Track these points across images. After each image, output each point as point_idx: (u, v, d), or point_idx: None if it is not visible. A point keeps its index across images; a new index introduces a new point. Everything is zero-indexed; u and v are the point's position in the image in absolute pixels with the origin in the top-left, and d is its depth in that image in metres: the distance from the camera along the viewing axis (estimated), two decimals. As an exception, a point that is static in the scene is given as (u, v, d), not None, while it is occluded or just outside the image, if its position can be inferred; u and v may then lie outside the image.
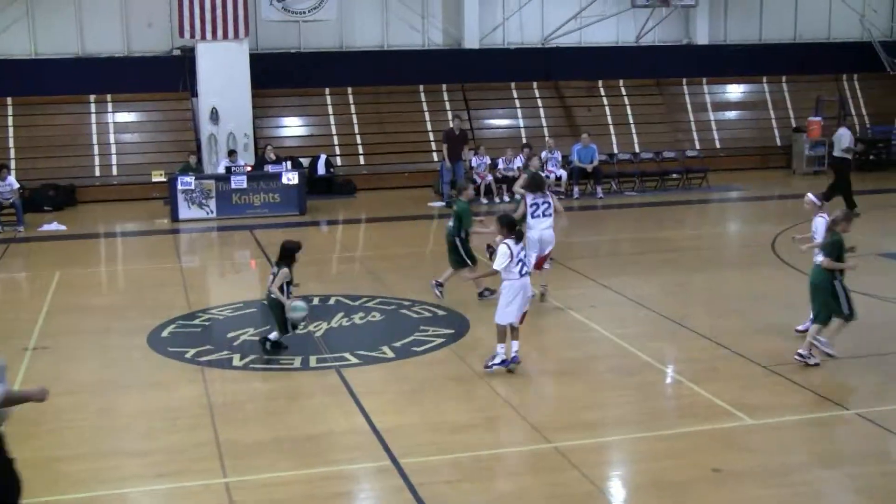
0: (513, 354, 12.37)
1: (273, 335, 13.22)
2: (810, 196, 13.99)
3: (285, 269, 12.99)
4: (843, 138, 23.91)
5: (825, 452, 10.10)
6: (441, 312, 15.15)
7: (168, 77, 27.84)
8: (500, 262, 12.19)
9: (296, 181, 24.26)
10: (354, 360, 12.94)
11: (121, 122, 28.02)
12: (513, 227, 12.43)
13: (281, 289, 12.93)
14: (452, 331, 14.17)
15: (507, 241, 12.27)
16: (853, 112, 32.67)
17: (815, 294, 12.45)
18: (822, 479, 9.52)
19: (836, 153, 23.93)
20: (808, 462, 9.83)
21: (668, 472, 9.55)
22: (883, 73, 32.15)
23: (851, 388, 11.79)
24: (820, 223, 13.29)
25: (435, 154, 28.55)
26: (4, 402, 7.35)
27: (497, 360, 12.39)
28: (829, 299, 12.28)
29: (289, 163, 25.63)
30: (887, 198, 26.36)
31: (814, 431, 10.62)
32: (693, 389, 11.76)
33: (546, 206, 15.34)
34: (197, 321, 15.05)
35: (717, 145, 31.33)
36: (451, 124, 26.30)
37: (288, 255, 13.18)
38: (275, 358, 13.02)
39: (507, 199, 25.78)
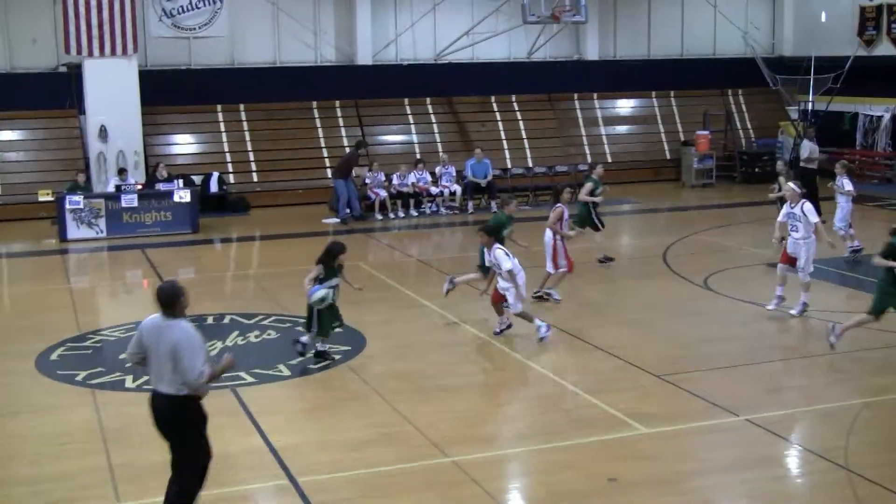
0: (507, 325, 14.52)
1: (319, 345, 13.41)
2: (791, 185, 15.65)
3: (320, 266, 13.25)
4: (805, 149, 24.66)
5: (718, 459, 10.30)
6: (337, 330, 15.04)
7: (54, 94, 27.18)
8: (508, 263, 13.86)
9: (188, 199, 23.91)
10: (250, 380, 12.80)
11: (5, 140, 27.27)
12: (496, 232, 14.53)
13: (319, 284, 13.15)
14: (349, 348, 14.11)
15: (497, 245, 14.09)
16: (739, 126, 33.47)
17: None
18: (715, 485, 9.72)
19: (801, 164, 24.62)
20: (702, 469, 10.02)
21: (566, 483, 9.65)
22: (766, 88, 32.94)
23: (741, 394, 12.04)
24: (809, 208, 15.08)
25: (329, 170, 28.43)
26: (210, 380, 8.38)
27: (543, 331, 14.12)
28: (887, 295, 12.98)
29: (181, 181, 25.27)
30: (772, 209, 26.99)
31: (706, 438, 10.84)
32: (589, 400, 11.90)
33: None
34: (88, 343, 14.73)
35: (609, 159, 31.68)
36: (346, 145, 26.23)
37: (328, 255, 13.34)
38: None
39: (401, 214, 25.79)
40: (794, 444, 10.64)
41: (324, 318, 13.21)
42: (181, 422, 8.44)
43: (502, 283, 14.15)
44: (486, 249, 14.58)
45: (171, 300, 8.38)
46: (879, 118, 31.03)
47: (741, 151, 32.09)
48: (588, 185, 19.49)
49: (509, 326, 14.59)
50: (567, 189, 17.44)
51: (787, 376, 12.91)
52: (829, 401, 11.79)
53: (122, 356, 13.71)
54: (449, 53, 30.49)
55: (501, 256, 13.94)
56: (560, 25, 29.03)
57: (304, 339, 13.47)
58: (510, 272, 13.87)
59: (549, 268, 16.66)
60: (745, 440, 10.66)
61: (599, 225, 19.65)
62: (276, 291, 17.71)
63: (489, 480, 9.73)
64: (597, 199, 19.49)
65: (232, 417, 11.48)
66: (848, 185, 19.52)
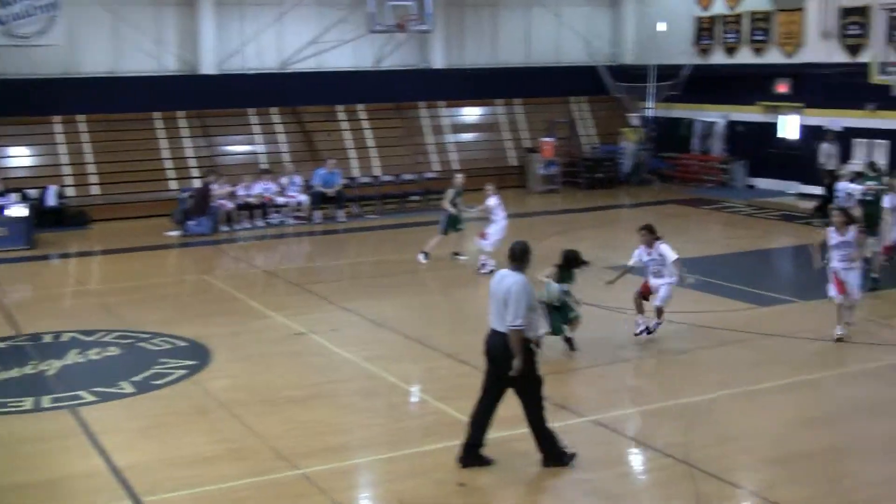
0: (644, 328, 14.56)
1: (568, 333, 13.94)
2: None
3: (556, 269, 13.91)
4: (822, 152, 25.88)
5: (564, 460, 10.42)
6: (182, 344, 14.76)
7: None
8: (675, 254, 14.38)
9: (23, 213, 23.11)
10: (91, 398, 12.41)
11: None
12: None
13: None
14: (194, 362, 13.84)
15: (660, 241, 14.52)
16: (583, 132, 34.13)
17: None
18: (562, 485, 9.84)
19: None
20: (548, 470, 10.10)
21: (416, 490, 9.64)
22: (608, 96, 33.73)
23: (585, 396, 12.26)
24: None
25: (173, 182, 27.89)
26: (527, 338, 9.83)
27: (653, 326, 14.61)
28: None
29: (15, 195, 24.41)
30: (614, 214, 27.68)
31: (553, 440, 10.95)
32: (438, 407, 11.93)
33: None
34: (-84, 366, 14.05)
35: (456, 167, 31.97)
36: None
37: (567, 262, 14.03)
38: (1, 401, 12.33)
39: (247, 225, 25.42)
40: (638, 443, 10.85)
41: (554, 316, 13.78)
42: (503, 353, 9.76)
43: (658, 280, 14.45)
44: (645, 247, 14.54)
45: (521, 254, 9.94)
46: (714, 124, 32.08)
47: (585, 158, 32.73)
48: (450, 193, 20.57)
49: (647, 331, 14.56)
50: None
51: (630, 377, 13.18)
52: (669, 399, 12.08)
53: (-46, 378, 13.16)
54: (295, 63, 30.28)
55: (667, 249, 14.34)
56: (406, 35, 29.13)
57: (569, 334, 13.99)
58: (677, 261, 14.35)
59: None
60: (591, 440, 10.82)
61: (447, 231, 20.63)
62: (117, 307, 17.25)
63: (339, 491, 9.66)
64: (451, 210, 20.54)
65: (70, 439, 11.11)
66: None
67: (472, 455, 10.01)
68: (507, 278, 9.86)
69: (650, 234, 14.47)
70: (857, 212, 17.77)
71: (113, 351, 14.47)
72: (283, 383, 13.00)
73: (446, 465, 10.15)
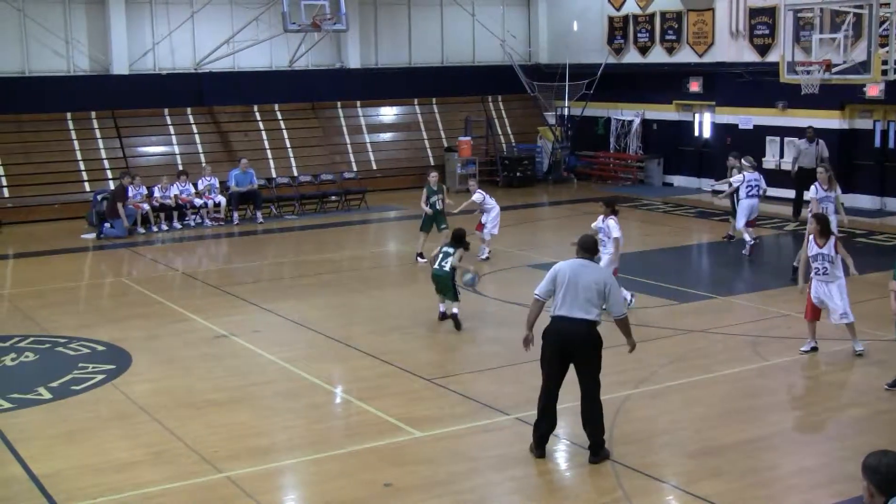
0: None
1: (455, 309, 15.03)
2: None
3: (461, 250, 15.22)
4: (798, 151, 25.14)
5: (489, 458, 10.48)
6: (100, 348, 14.54)
7: None
8: (618, 232, 15.44)
9: (-70, 218, 22.58)
10: (7, 405, 12.17)
11: None
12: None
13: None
14: (113, 366, 13.64)
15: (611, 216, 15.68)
16: (500, 131, 34.34)
17: None
18: (487, 483, 9.89)
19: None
20: (474, 469, 10.17)
21: (341, 491, 9.61)
22: (524, 95, 33.95)
23: (510, 394, 12.32)
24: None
25: (86, 184, 27.44)
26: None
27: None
28: None
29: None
30: (532, 212, 27.89)
31: (478, 439, 11.01)
32: (362, 407, 11.92)
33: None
34: None
35: (374, 166, 31.98)
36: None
37: (462, 240, 15.28)
38: (-85, 409, 12.03)
39: (164, 227, 25.12)
40: (563, 439, 10.93)
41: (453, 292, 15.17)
42: (590, 341, 10.20)
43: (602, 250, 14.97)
44: (603, 217, 15.61)
45: (594, 246, 10.65)
46: (630, 122, 32.49)
47: (502, 156, 32.93)
48: (425, 192, 20.30)
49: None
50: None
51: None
52: (592, 395, 12.19)
53: None
54: (209, 62, 29.97)
55: (614, 225, 15.40)
56: (321, 34, 29.00)
57: (456, 310, 15.06)
58: (617, 240, 15.31)
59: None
60: (516, 438, 10.88)
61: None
62: (32, 311, 16.92)
63: (265, 493, 9.60)
64: (426, 210, 20.14)
65: (-14, 447, 10.88)
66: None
67: (545, 444, 10.44)
68: (590, 270, 10.25)
69: (605, 207, 15.71)
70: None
71: (29, 356, 14.20)
72: (205, 386, 12.87)
73: (371, 465, 10.15)
